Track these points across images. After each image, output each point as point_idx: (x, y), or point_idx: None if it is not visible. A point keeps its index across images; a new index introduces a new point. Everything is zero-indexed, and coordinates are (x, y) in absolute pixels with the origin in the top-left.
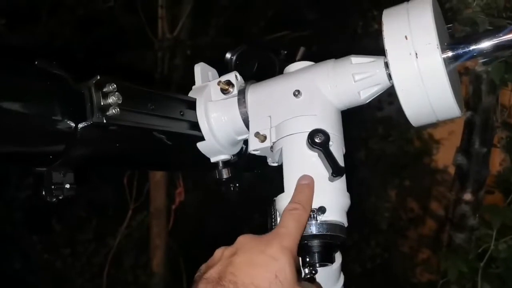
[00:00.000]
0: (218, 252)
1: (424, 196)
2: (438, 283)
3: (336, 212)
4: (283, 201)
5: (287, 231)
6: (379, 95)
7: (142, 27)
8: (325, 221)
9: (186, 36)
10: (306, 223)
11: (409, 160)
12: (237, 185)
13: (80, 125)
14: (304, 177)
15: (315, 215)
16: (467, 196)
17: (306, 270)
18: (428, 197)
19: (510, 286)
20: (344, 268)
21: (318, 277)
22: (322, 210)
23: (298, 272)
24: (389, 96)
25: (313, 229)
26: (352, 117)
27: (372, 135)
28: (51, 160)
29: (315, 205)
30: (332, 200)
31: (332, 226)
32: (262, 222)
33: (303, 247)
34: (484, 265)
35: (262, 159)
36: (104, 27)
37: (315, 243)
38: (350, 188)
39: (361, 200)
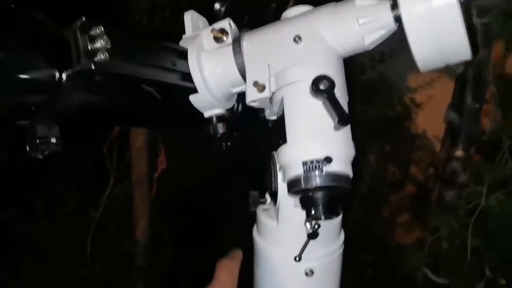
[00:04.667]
0: None
1: (404, 161)
2: (427, 240)
3: (341, 162)
4: (285, 152)
5: (219, 283)
6: (363, 58)
7: None
8: (330, 172)
9: None
10: (238, 273)
11: (390, 125)
12: (229, 144)
13: (65, 73)
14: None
15: (320, 166)
16: (458, 153)
17: (308, 225)
18: (408, 162)
19: (499, 240)
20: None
21: (321, 231)
22: (328, 160)
23: None
24: (372, 60)
25: (318, 181)
26: None
27: (355, 100)
28: (33, 112)
29: (320, 155)
30: (338, 149)
31: (338, 177)
32: (246, 190)
33: (307, 200)
34: (474, 220)
35: (256, 114)
36: None
37: (320, 195)
38: None
39: None
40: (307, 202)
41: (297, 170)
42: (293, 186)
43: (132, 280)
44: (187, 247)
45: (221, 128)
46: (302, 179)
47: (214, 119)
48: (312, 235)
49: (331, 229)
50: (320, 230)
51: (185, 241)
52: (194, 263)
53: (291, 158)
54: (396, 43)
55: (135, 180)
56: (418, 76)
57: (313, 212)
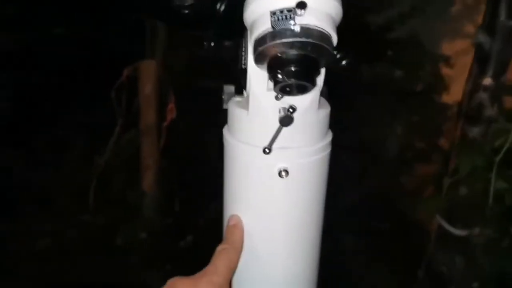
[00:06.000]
0: None
1: (432, 132)
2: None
3: (321, 16)
4: (250, 4)
5: (215, 268)
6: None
7: None
8: (305, 24)
9: None
10: (237, 261)
11: (418, 89)
12: (212, 44)
13: None
14: (232, 218)
15: (292, 15)
16: (487, 81)
17: (280, 112)
18: (437, 133)
19: None
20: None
21: (298, 121)
22: (302, 5)
23: None
24: (401, 16)
25: (288, 34)
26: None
27: (380, 59)
28: None
29: (292, 1)
30: None
31: (315, 32)
32: None
33: (275, 62)
34: (500, 159)
35: None
36: None
37: (292, 55)
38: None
39: (361, 128)
40: (274, 65)
41: (264, 25)
42: (258, 45)
43: (134, 229)
44: (195, 201)
45: None
46: (267, 35)
47: None
48: (285, 120)
49: (313, 121)
50: (297, 120)
51: (194, 195)
52: (201, 218)
53: (258, 10)
54: None
55: (143, 129)
56: (453, 42)
57: (279, 76)
